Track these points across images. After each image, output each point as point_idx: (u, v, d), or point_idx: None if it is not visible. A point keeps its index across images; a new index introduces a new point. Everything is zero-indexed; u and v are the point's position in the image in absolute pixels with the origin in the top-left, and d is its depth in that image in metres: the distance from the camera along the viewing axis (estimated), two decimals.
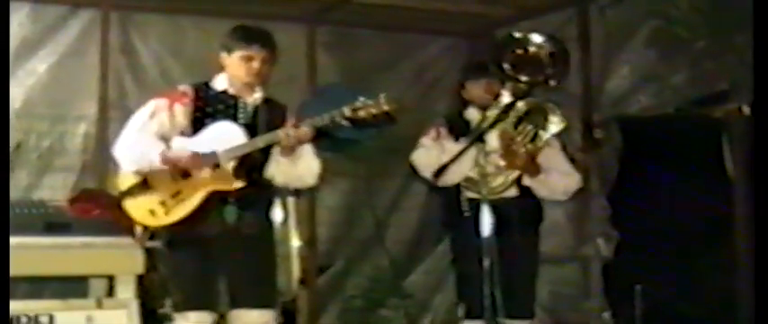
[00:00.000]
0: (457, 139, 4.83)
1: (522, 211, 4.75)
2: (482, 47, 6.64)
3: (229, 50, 4.33)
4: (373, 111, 4.12)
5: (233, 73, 4.34)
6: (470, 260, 4.72)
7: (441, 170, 4.48)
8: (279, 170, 4.35)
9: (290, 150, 4.23)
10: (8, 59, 4.26)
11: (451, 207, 4.91)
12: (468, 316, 4.83)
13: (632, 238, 5.66)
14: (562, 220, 6.34)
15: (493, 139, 4.61)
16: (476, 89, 4.94)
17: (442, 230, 5.08)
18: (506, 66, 4.50)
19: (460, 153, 4.44)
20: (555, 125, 4.60)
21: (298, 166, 4.35)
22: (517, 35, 4.59)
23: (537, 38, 4.49)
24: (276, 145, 4.25)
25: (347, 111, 4.13)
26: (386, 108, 4.13)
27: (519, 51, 4.51)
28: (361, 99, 4.13)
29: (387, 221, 6.87)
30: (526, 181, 4.80)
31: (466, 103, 5.02)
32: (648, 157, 5.56)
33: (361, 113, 4.13)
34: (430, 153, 4.87)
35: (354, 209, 6.77)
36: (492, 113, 4.56)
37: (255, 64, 4.29)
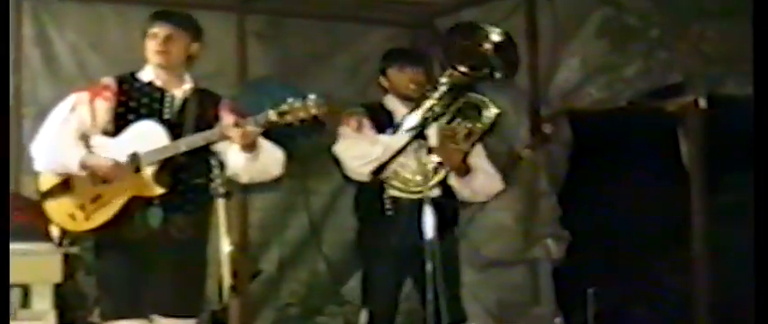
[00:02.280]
0: (381, 130, 4.71)
1: (445, 212, 4.59)
2: (424, 37, 6.56)
3: (143, 34, 4.31)
4: (301, 114, 4.03)
5: (148, 58, 4.29)
6: (385, 263, 4.70)
7: (381, 168, 4.45)
8: (241, 167, 4.24)
9: (249, 146, 4.12)
10: (8, 59, 4.26)
11: (371, 205, 4.75)
12: (373, 322, 4.76)
13: (584, 239, 5.73)
14: (509, 221, 6.28)
15: (431, 134, 4.59)
16: (400, 78, 4.79)
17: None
18: (452, 54, 4.54)
19: (403, 148, 4.39)
20: (489, 122, 4.58)
21: (260, 159, 4.23)
22: (480, 25, 4.62)
23: (495, 36, 4.53)
24: (229, 142, 4.16)
25: (273, 115, 4.03)
26: (313, 111, 4.04)
27: (468, 43, 4.53)
28: (289, 101, 4.03)
29: (323, 224, 6.70)
30: (451, 180, 4.71)
31: (385, 92, 4.89)
32: (600, 154, 5.61)
33: (288, 117, 4.04)
34: (359, 144, 4.68)
35: (288, 210, 6.58)
36: (430, 104, 4.58)
37: (158, 41, 4.23)
